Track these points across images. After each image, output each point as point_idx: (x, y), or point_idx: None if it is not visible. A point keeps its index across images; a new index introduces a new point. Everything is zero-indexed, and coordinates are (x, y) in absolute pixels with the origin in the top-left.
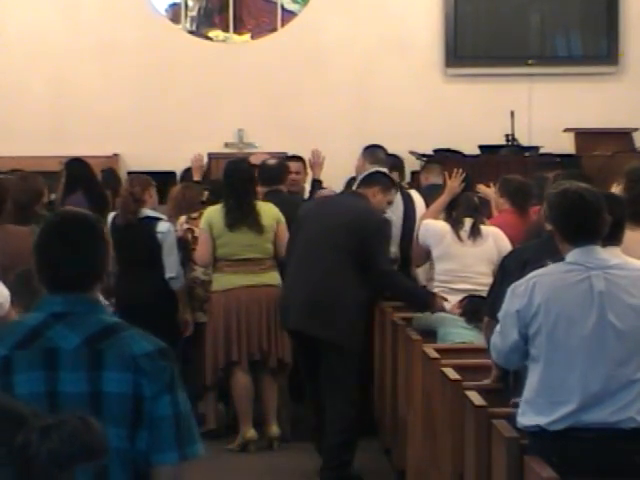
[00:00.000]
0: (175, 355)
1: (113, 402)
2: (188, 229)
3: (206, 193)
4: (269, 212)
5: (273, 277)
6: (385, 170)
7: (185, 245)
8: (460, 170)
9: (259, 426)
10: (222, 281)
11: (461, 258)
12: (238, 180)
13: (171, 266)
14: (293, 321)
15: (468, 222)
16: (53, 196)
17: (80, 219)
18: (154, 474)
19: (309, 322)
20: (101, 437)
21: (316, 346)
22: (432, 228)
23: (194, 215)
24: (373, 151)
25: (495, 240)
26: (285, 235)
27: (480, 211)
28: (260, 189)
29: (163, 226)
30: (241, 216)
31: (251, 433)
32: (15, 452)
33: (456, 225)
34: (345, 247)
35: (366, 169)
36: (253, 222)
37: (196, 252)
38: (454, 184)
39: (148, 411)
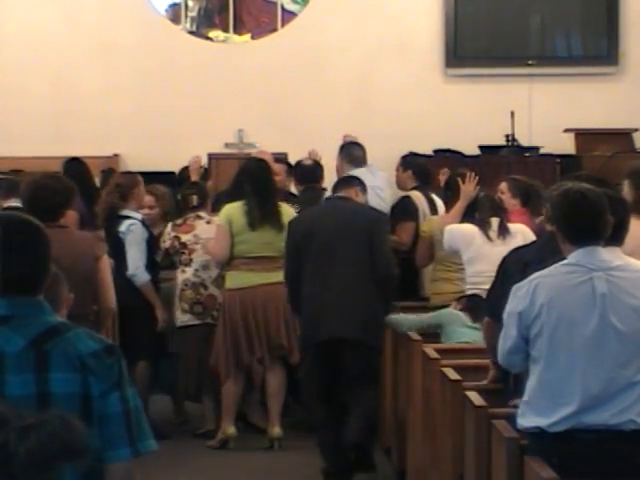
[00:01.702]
0: (161, 353)
1: (61, 403)
2: (175, 237)
3: (195, 197)
4: (286, 212)
5: None
6: (364, 169)
7: (175, 251)
8: (474, 174)
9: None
10: (238, 279)
11: (493, 258)
12: (260, 179)
13: (130, 264)
14: (331, 331)
15: (494, 222)
16: None
17: (23, 222)
18: (108, 471)
19: (351, 328)
20: (82, 437)
21: (343, 353)
22: (458, 232)
23: (179, 222)
24: (350, 149)
25: (524, 236)
26: None
27: (504, 209)
28: (297, 187)
29: (124, 225)
30: (262, 214)
31: (231, 430)
32: None
33: (483, 226)
34: (361, 247)
35: (344, 169)
36: (274, 221)
37: (214, 247)
38: (469, 188)
39: (97, 409)
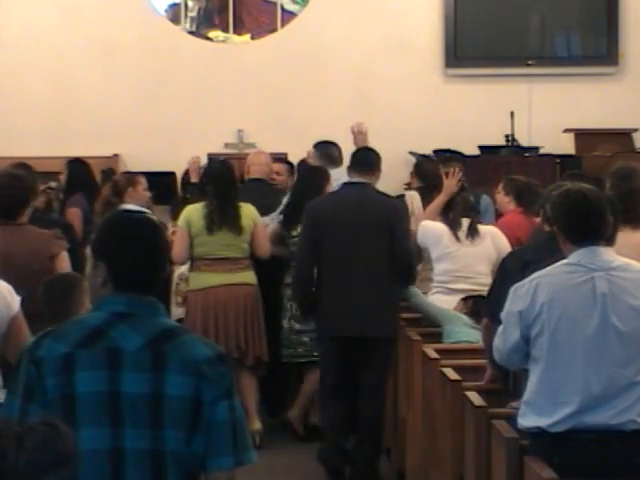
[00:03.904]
0: None
1: (174, 405)
2: (173, 232)
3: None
4: (247, 213)
5: (250, 276)
6: (339, 169)
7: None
8: (457, 169)
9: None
10: (199, 280)
11: (460, 258)
12: (222, 181)
13: None
14: (347, 327)
15: (465, 222)
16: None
17: (145, 220)
18: (210, 478)
19: (368, 325)
20: (71, 442)
21: (359, 347)
22: (430, 229)
23: None
24: (326, 149)
25: (493, 239)
26: (263, 235)
27: (477, 211)
28: None
29: None
30: (220, 218)
31: None
32: None
33: (454, 226)
34: (381, 239)
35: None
36: (233, 223)
37: (173, 249)
38: (451, 183)
39: (207, 416)
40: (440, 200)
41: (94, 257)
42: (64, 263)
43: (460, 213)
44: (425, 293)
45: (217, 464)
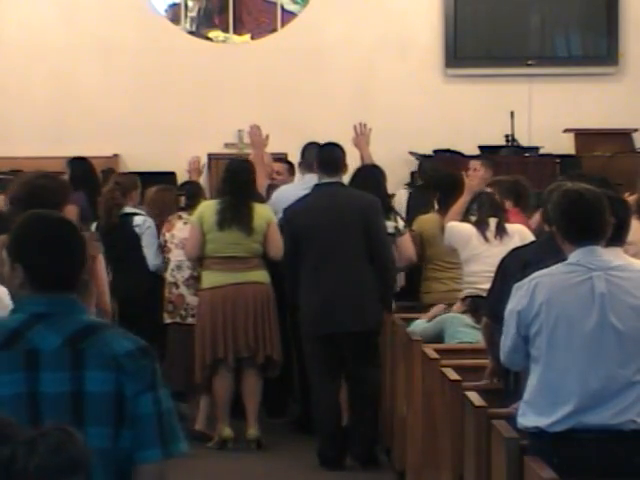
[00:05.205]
0: (156, 352)
1: (95, 402)
2: (162, 234)
3: (183, 199)
4: (261, 213)
5: (260, 275)
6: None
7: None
8: (479, 164)
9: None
10: (210, 279)
11: (489, 258)
12: (239, 180)
13: (153, 257)
14: (333, 324)
15: (492, 222)
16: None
17: (60, 220)
18: (138, 472)
19: (353, 321)
20: (84, 448)
21: (345, 343)
22: (458, 230)
23: (168, 220)
24: (304, 152)
25: (521, 237)
26: (276, 236)
27: (503, 209)
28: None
29: (139, 219)
30: (233, 215)
31: (227, 432)
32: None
33: (481, 226)
34: (357, 236)
35: (300, 171)
36: (243, 222)
37: (186, 245)
38: (473, 182)
39: (130, 410)
40: (464, 200)
41: (10, 259)
42: (100, 265)
43: (486, 213)
44: (429, 293)
45: (144, 457)
